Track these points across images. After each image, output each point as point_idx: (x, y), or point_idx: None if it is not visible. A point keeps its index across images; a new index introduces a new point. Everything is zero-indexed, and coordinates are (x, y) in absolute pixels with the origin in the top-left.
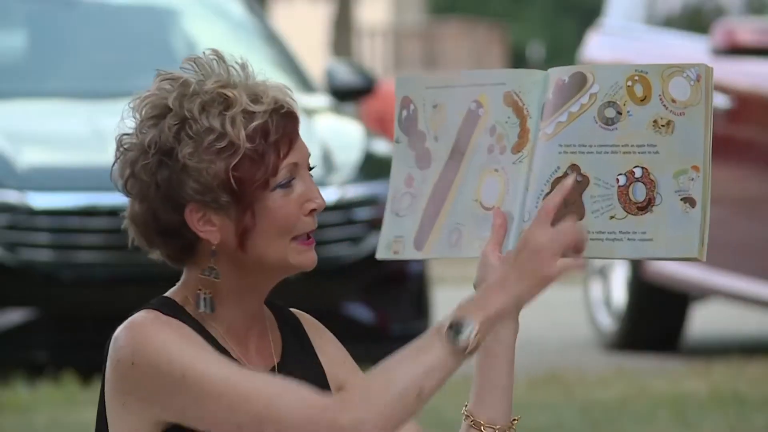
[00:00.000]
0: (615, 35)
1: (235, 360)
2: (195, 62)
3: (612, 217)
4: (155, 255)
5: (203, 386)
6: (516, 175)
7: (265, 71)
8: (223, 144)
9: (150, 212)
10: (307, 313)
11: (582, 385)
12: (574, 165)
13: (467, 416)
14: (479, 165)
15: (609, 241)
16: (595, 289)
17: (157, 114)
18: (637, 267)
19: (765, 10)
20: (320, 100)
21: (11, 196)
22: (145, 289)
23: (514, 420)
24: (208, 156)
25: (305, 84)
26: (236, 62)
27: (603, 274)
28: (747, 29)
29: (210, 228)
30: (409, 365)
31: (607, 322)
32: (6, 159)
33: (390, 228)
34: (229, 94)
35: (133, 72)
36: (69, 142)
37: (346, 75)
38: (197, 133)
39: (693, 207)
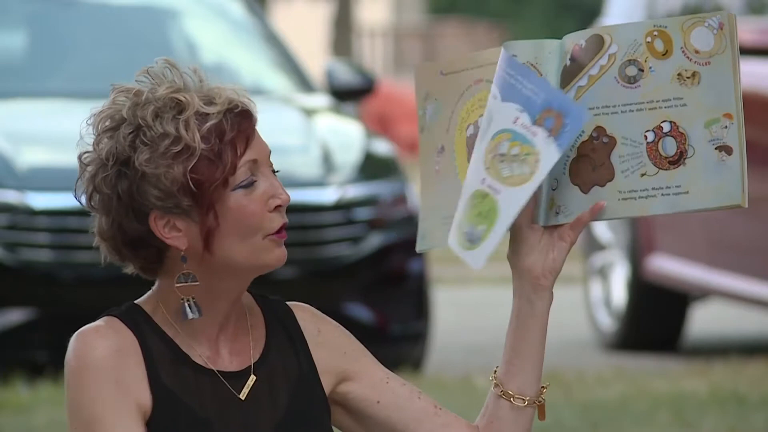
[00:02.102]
0: None
1: (199, 365)
2: (148, 73)
3: (643, 175)
4: (129, 269)
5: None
6: None
7: (265, 71)
8: (178, 148)
9: (116, 225)
10: None
11: (582, 385)
12: (599, 127)
13: (497, 385)
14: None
15: (642, 198)
16: (595, 289)
17: (112, 126)
18: (637, 267)
19: (765, 10)
20: (320, 100)
21: (11, 196)
22: (144, 289)
23: (543, 388)
24: (165, 161)
25: (305, 84)
26: (188, 68)
27: (603, 274)
28: (747, 29)
29: (176, 234)
30: None
31: (607, 322)
32: (6, 159)
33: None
34: (181, 98)
35: (133, 72)
36: (69, 142)
37: (346, 75)
38: (152, 140)
39: (729, 155)
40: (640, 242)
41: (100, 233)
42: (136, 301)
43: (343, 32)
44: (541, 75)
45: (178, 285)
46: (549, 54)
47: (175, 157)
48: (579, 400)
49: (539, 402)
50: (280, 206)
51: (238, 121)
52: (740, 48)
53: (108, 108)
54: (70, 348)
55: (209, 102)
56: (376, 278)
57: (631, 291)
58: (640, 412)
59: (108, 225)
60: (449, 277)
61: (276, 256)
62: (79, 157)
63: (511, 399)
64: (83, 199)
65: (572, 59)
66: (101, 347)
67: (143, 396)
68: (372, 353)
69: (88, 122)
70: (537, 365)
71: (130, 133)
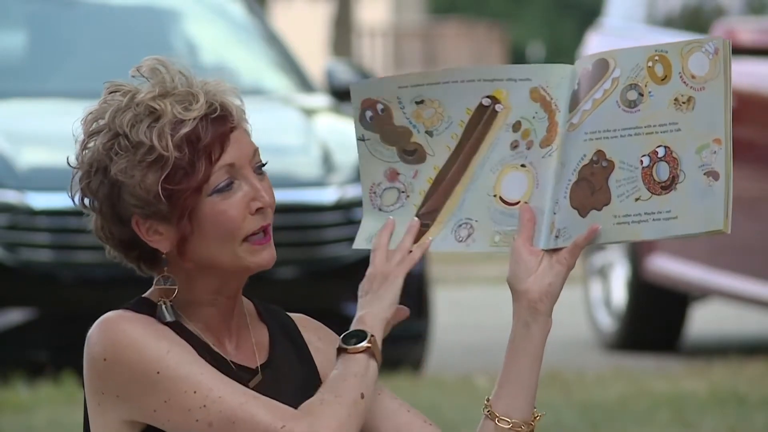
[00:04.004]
0: (615, 35)
1: (216, 352)
2: (138, 71)
3: (637, 199)
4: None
5: (177, 383)
6: (545, 169)
7: (265, 71)
8: (152, 157)
9: (106, 227)
10: (307, 313)
11: (582, 385)
12: (599, 151)
13: (485, 405)
14: (498, 160)
15: (635, 223)
16: (595, 289)
17: (96, 130)
18: (637, 267)
19: (765, 10)
20: (320, 100)
21: (11, 196)
22: (144, 289)
23: (536, 417)
24: (140, 170)
25: (305, 84)
26: (178, 67)
27: (603, 274)
28: (747, 29)
29: (158, 237)
30: (345, 380)
31: (607, 322)
32: (6, 159)
33: (373, 222)
34: (157, 106)
35: None
36: (69, 142)
37: (346, 75)
38: (127, 149)
39: (716, 180)
40: (640, 242)
41: (96, 232)
42: (143, 295)
43: (343, 32)
44: (551, 99)
45: (158, 287)
46: (561, 79)
47: (150, 166)
48: (579, 400)
49: (530, 428)
50: (261, 209)
51: (214, 127)
52: (740, 48)
53: (97, 108)
54: (94, 340)
55: (186, 107)
56: None
57: (631, 291)
58: (640, 412)
59: (99, 226)
60: (449, 277)
61: (262, 257)
62: (68, 160)
63: (496, 420)
64: (77, 199)
65: (579, 83)
66: (130, 326)
67: None
68: None
69: (81, 121)
70: (527, 390)
71: (107, 142)
